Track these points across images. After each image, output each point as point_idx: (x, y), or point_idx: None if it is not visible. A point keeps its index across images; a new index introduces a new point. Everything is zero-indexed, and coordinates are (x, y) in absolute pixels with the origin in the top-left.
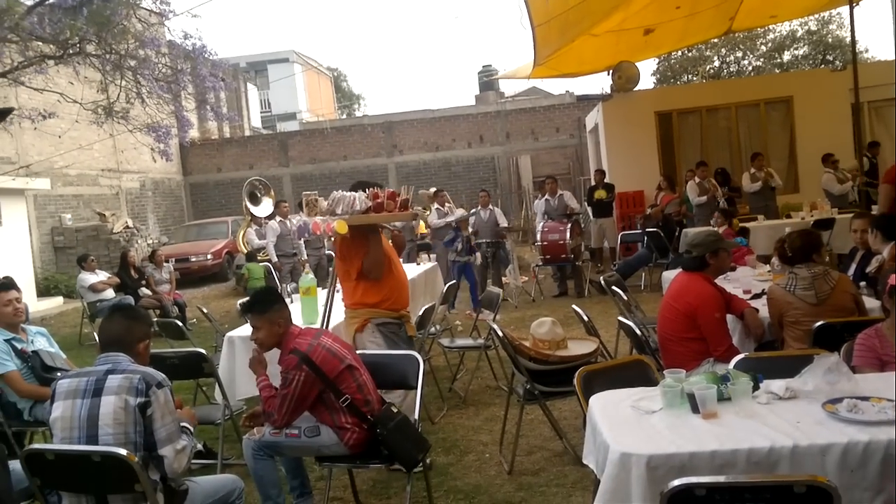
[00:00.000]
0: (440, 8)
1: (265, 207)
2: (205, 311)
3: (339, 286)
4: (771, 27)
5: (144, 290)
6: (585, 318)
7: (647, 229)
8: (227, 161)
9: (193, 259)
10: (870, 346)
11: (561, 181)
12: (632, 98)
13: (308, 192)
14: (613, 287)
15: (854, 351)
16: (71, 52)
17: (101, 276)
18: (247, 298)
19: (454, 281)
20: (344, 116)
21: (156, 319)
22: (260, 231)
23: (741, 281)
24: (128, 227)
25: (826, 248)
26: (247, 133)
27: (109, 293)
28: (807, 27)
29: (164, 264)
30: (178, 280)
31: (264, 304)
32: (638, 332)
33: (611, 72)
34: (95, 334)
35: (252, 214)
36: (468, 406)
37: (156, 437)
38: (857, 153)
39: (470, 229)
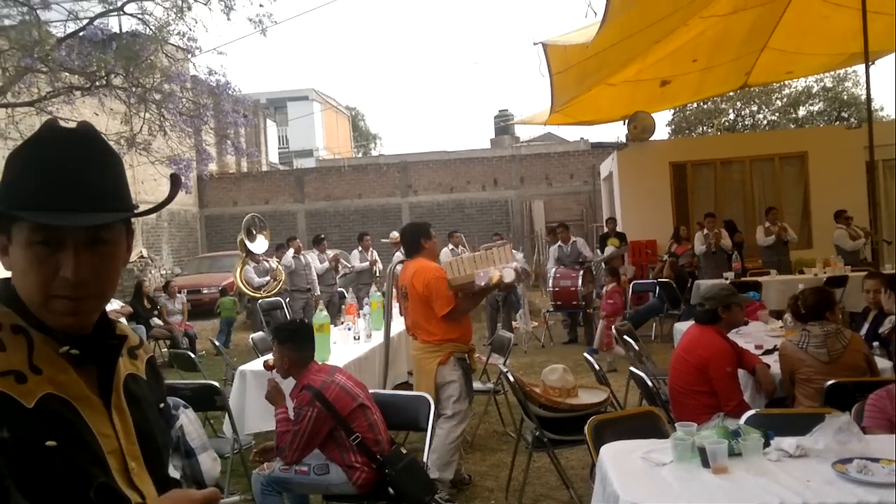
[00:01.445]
0: (459, 52)
1: (260, 245)
2: (217, 343)
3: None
4: (787, 83)
5: (156, 321)
6: (597, 366)
7: (660, 279)
8: (244, 195)
9: (205, 291)
10: (881, 408)
11: (574, 228)
12: (647, 148)
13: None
14: (625, 336)
15: (865, 411)
16: (98, 84)
17: (115, 304)
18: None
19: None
20: (360, 155)
21: (166, 350)
22: (259, 268)
23: (753, 336)
24: (142, 256)
25: (839, 305)
26: (264, 168)
27: (122, 322)
28: (822, 84)
29: (177, 295)
30: (190, 311)
31: (281, 335)
32: (649, 383)
33: (626, 121)
34: None
35: (248, 251)
36: (475, 451)
37: (192, 446)
38: (870, 211)
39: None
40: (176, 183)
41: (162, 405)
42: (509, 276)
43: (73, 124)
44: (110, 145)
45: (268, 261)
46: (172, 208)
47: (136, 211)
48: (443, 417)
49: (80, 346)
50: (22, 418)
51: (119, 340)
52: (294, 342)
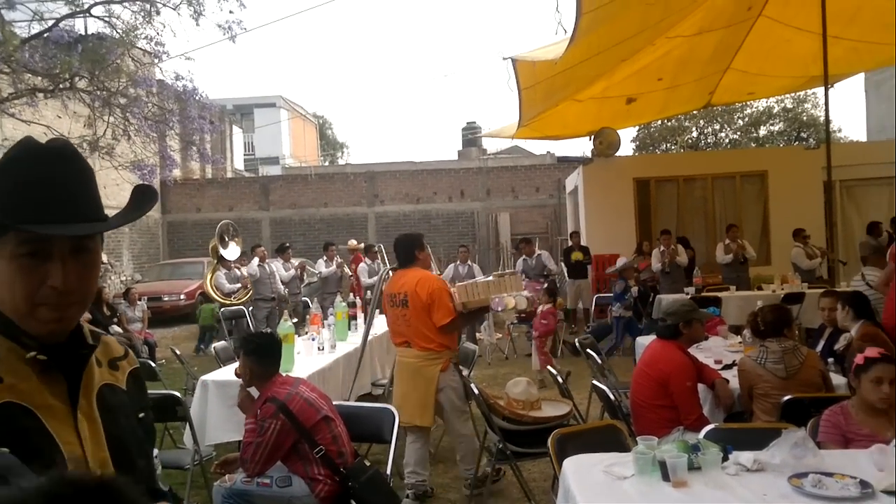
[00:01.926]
0: (429, 64)
1: (232, 251)
2: (178, 352)
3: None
4: (748, 103)
5: (115, 328)
6: (560, 379)
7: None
8: (207, 202)
9: (166, 298)
10: (835, 423)
11: (539, 240)
12: (612, 163)
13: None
14: (588, 350)
15: (820, 427)
16: (62, 86)
17: None
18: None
19: (614, 340)
20: (327, 164)
21: None
22: (230, 274)
23: (713, 350)
24: (102, 262)
25: (795, 322)
26: (229, 175)
27: (111, 336)
28: (783, 104)
29: (138, 303)
30: (150, 319)
31: (247, 346)
32: (611, 396)
33: (592, 137)
34: None
35: (221, 257)
36: (438, 462)
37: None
38: (827, 230)
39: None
40: (151, 197)
41: (142, 415)
42: (522, 304)
43: (35, 126)
44: (86, 159)
45: (239, 268)
46: None
47: (108, 220)
48: (456, 421)
49: (50, 354)
50: None
51: (89, 350)
52: (260, 354)
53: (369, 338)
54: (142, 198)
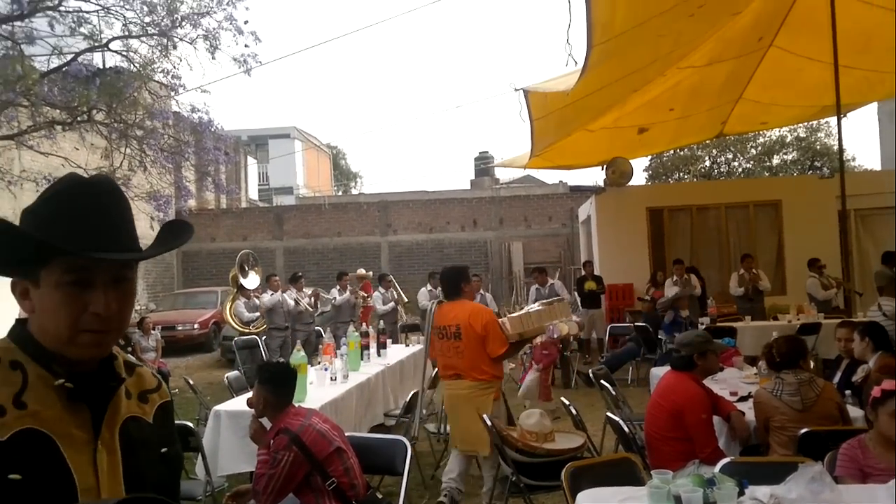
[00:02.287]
0: (442, 94)
1: (252, 281)
2: (191, 382)
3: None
4: (761, 132)
5: (129, 358)
6: (574, 411)
7: (636, 323)
8: (222, 231)
9: (180, 328)
10: (853, 457)
11: (551, 270)
12: (624, 193)
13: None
14: (602, 381)
15: (837, 461)
16: (80, 119)
17: None
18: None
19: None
20: (340, 194)
21: None
22: (249, 304)
23: (728, 382)
24: None
25: (812, 352)
26: (243, 205)
27: (145, 366)
28: (796, 133)
29: (152, 332)
30: (163, 348)
31: (263, 374)
32: (626, 428)
33: (605, 166)
34: None
35: (240, 286)
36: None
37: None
38: (842, 260)
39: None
40: (187, 230)
41: (165, 450)
42: (575, 329)
43: (53, 158)
44: (125, 193)
45: (258, 297)
46: (149, 243)
47: (146, 250)
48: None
49: (78, 382)
50: None
51: (117, 382)
52: (275, 384)
53: (382, 368)
54: (179, 230)
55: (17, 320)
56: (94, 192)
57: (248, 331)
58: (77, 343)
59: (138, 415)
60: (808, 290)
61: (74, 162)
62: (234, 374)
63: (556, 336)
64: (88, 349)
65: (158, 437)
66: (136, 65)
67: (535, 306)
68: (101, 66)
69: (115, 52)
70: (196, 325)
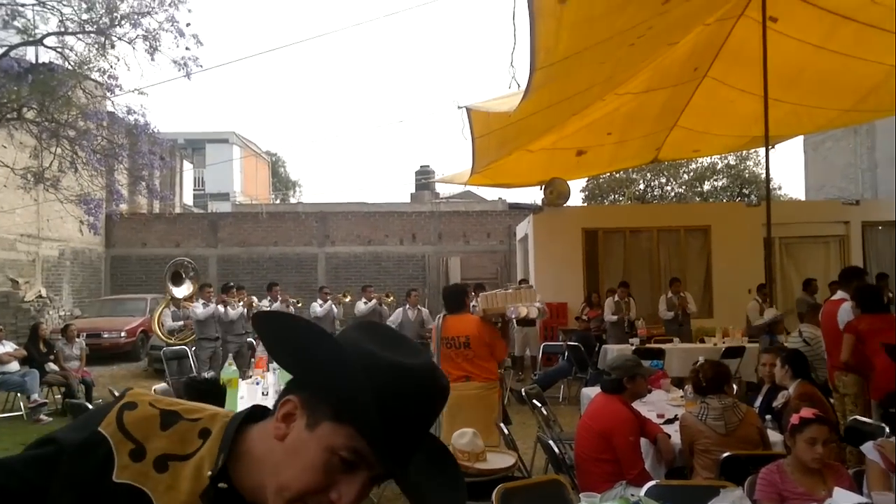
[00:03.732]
0: (385, 107)
1: (184, 290)
2: (116, 393)
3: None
4: (694, 159)
5: (51, 366)
6: (506, 431)
7: (569, 342)
8: (153, 237)
9: (106, 335)
10: (771, 482)
11: (488, 286)
12: (561, 213)
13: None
14: (534, 400)
15: (756, 485)
16: (9, 116)
17: (8, 347)
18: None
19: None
20: (278, 202)
21: (60, 397)
22: (177, 313)
23: (655, 404)
24: (41, 296)
25: (735, 375)
26: (177, 210)
27: (14, 365)
28: (726, 161)
29: (76, 340)
30: (88, 356)
31: (191, 392)
32: (556, 449)
33: (543, 186)
34: None
35: (172, 295)
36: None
37: None
38: (767, 286)
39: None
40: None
41: None
42: (533, 313)
43: None
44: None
45: (187, 307)
46: (76, 246)
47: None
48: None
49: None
50: (95, 487)
51: None
52: (203, 400)
53: None
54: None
55: (256, 407)
56: (438, 400)
57: (172, 341)
58: (279, 501)
59: None
60: (747, 313)
61: (1, 160)
62: (161, 385)
63: (514, 317)
64: None
65: None
66: (72, 62)
67: (502, 291)
68: (34, 62)
69: (50, 48)
70: (123, 334)
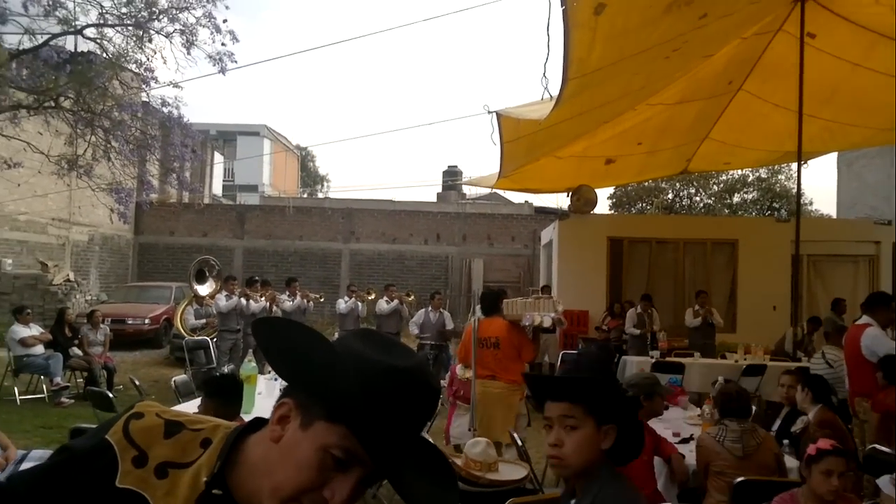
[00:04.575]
0: (417, 107)
1: (207, 288)
2: (137, 382)
3: None
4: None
5: (76, 350)
6: (519, 441)
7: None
8: (182, 226)
9: (130, 322)
10: None
11: (510, 290)
12: (587, 220)
13: None
14: None
15: None
16: (46, 104)
17: (34, 330)
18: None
19: None
20: (305, 196)
21: (82, 381)
22: (199, 311)
23: (672, 422)
24: (68, 280)
25: (755, 394)
26: (206, 200)
27: (39, 349)
28: (757, 174)
29: (101, 326)
30: (112, 341)
31: (209, 388)
32: None
33: (570, 193)
34: (16, 389)
35: (196, 293)
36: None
37: None
38: (792, 304)
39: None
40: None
41: None
42: (547, 322)
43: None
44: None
45: (210, 305)
46: (106, 232)
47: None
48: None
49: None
50: (99, 491)
51: None
52: (221, 396)
53: None
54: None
55: (257, 419)
56: (432, 401)
57: (191, 336)
58: (274, 502)
59: None
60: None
61: (37, 147)
62: (181, 377)
63: (528, 324)
64: None
65: None
66: (109, 54)
67: (527, 299)
68: (73, 52)
69: (89, 38)
70: (147, 320)
